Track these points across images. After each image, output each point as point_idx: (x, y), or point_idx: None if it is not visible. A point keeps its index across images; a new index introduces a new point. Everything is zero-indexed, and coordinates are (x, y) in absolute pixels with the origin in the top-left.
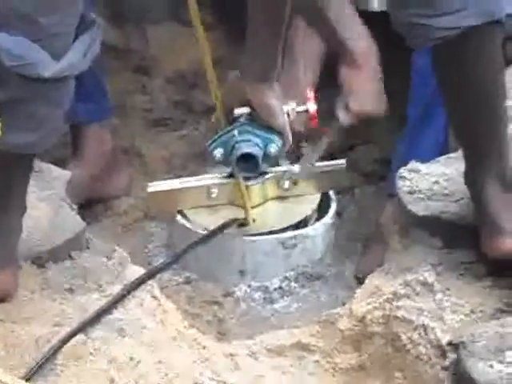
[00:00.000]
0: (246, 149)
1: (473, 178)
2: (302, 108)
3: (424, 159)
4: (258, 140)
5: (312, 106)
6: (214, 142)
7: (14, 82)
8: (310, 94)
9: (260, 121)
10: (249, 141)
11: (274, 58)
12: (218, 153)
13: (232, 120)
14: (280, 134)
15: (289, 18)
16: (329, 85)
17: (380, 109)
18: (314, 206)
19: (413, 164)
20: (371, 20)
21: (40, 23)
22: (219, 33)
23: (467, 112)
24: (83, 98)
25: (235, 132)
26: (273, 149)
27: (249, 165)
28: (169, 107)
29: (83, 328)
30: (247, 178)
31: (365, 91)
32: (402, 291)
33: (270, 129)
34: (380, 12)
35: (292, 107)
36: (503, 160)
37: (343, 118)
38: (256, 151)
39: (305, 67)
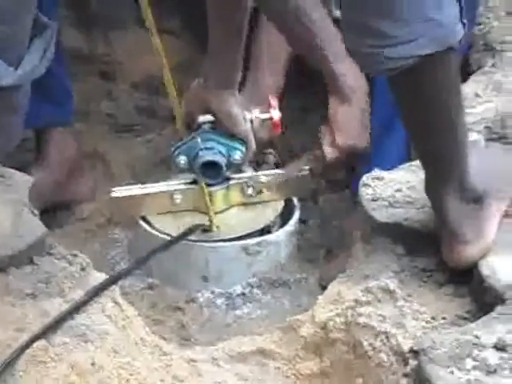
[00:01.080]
0: (209, 156)
1: (433, 189)
2: (265, 115)
3: (387, 166)
4: (221, 147)
5: (276, 114)
6: (177, 149)
7: None
8: (274, 102)
9: (223, 128)
10: (212, 148)
11: (234, 66)
12: (182, 160)
13: (196, 127)
14: (243, 141)
15: (252, 26)
16: (295, 91)
17: (364, 143)
18: (278, 212)
19: (376, 171)
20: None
21: None
22: (185, 38)
23: (424, 132)
24: (46, 101)
25: (198, 140)
26: (236, 156)
27: (212, 172)
28: (133, 113)
29: (44, 333)
30: (211, 185)
31: (352, 127)
32: (364, 298)
33: (234, 136)
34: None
35: (255, 115)
36: (463, 172)
37: (329, 152)
38: (219, 159)
39: (269, 74)
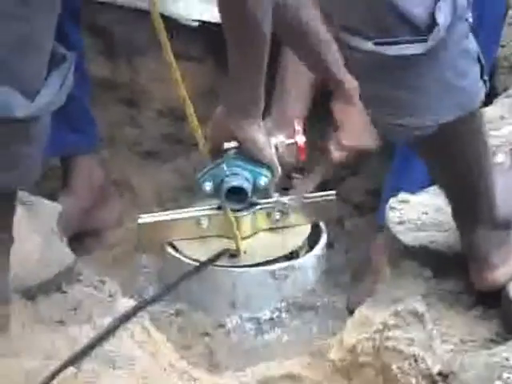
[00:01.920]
0: (234, 182)
1: (460, 217)
2: (290, 141)
3: (413, 189)
4: (246, 173)
5: (300, 139)
6: (203, 175)
7: None
8: (299, 127)
9: (248, 154)
10: (238, 174)
11: (256, 94)
12: (208, 186)
13: (221, 154)
14: (269, 166)
15: (276, 54)
16: (320, 116)
17: (372, 144)
18: (305, 237)
19: (402, 195)
20: None
21: (11, 66)
22: (208, 64)
23: (451, 184)
24: (72, 129)
25: (224, 166)
26: (262, 182)
27: (238, 198)
28: (159, 139)
29: (74, 361)
30: (237, 210)
31: (358, 127)
32: (392, 321)
33: (259, 162)
34: None
35: (280, 140)
36: (492, 203)
37: (335, 154)
38: (245, 185)
39: (295, 99)
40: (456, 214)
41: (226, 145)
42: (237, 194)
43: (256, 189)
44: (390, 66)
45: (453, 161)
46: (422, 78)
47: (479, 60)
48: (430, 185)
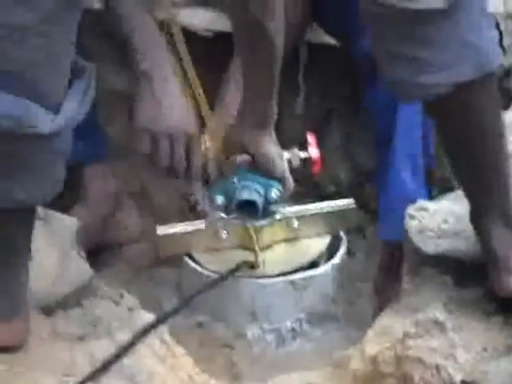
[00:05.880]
0: (245, 195)
1: (477, 218)
2: (304, 154)
3: (406, 202)
4: (257, 186)
5: (314, 152)
6: (214, 188)
7: (12, 140)
8: (312, 140)
9: (260, 167)
10: (249, 187)
11: (269, 108)
12: (219, 199)
13: (233, 168)
14: (280, 179)
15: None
16: None
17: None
18: (324, 246)
19: (421, 202)
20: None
21: (33, 82)
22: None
23: (465, 160)
24: (80, 138)
25: (235, 178)
26: (273, 194)
27: (249, 211)
28: None
29: (93, 376)
30: (256, 220)
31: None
32: (413, 330)
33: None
34: None
35: (293, 153)
36: (507, 200)
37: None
38: (256, 197)
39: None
40: (472, 209)
41: (239, 159)
42: (248, 207)
43: (267, 201)
44: (412, 21)
45: (466, 134)
46: (442, 34)
47: (497, 26)
48: (422, 197)
